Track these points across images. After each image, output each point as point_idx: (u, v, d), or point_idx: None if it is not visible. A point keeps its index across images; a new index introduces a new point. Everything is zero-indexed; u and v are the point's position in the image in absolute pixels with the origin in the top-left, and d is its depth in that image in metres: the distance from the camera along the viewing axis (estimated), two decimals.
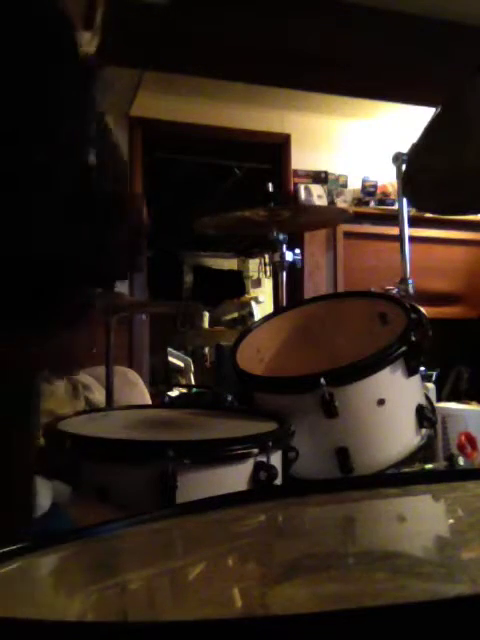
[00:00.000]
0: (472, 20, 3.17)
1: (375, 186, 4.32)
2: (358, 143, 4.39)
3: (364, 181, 4.33)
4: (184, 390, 4.33)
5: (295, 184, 4.28)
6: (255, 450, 1.03)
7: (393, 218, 2.37)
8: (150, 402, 2.23)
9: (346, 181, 4.38)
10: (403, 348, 1.25)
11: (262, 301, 6.15)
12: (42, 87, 0.55)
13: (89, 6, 0.72)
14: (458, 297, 4.21)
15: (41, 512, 0.79)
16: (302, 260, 2.25)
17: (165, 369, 4.88)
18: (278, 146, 4.33)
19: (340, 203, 4.29)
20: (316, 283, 4.09)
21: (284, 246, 2.07)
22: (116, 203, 0.61)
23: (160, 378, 4.59)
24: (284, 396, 1.29)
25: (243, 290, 6.59)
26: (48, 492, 0.82)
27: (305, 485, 0.84)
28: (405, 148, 1.69)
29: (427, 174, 1.15)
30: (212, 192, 5.66)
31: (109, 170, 0.61)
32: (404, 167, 1.85)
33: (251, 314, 5.90)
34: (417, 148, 1.19)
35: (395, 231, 2.15)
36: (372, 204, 4.27)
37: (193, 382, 5.22)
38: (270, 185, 2.20)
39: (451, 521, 0.63)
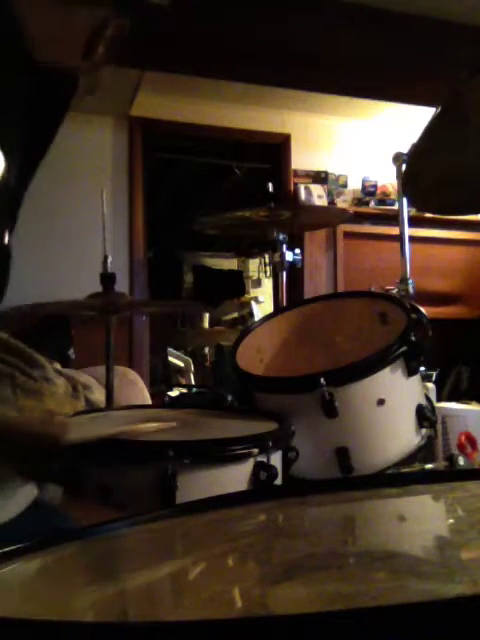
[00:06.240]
0: (472, 20, 3.17)
1: (375, 186, 4.31)
2: (358, 143, 4.39)
3: (364, 181, 4.33)
4: (184, 390, 4.33)
5: (295, 184, 4.28)
6: (255, 450, 1.03)
7: (393, 218, 2.37)
8: (150, 402, 2.23)
9: (346, 181, 4.37)
10: (403, 348, 1.25)
11: (262, 301, 6.15)
12: None
13: (91, 39, 0.72)
14: (458, 297, 4.20)
15: (26, 504, 0.79)
16: (302, 260, 2.24)
17: (165, 369, 4.88)
18: (278, 146, 4.32)
19: (340, 203, 4.28)
20: (316, 283, 4.09)
21: (284, 246, 2.07)
22: None
23: (160, 378, 4.59)
24: (284, 396, 1.28)
25: (243, 290, 6.58)
26: (29, 491, 0.82)
27: (305, 485, 0.84)
28: (405, 148, 1.69)
29: (427, 174, 1.15)
30: (212, 192, 5.66)
31: None
32: (404, 167, 1.85)
33: (251, 314, 5.90)
34: (417, 148, 1.19)
35: (395, 231, 2.15)
36: (372, 204, 4.27)
37: (193, 382, 5.22)
38: (270, 185, 2.20)
39: (451, 521, 0.63)
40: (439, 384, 3.15)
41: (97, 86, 0.79)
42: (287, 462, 1.14)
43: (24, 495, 0.80)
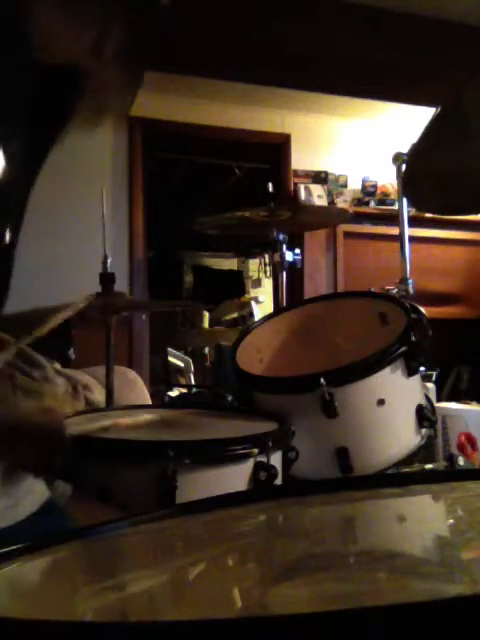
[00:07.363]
0: (472, 20, 3.17)
1: (375, 186, 4.31)
2: (358, 143, 4.39)
3: (364, 181, 4.33)
4: (184, 390, 4.32)
5: (295, 184, 4.28)
6: (255, 450, 1.03)
7: (393, 218, 2.37)
8: (150, 402, 2.23)
9: (346, 181, 4.37)
10: (403, 348, 1.25)
11: (262, 301, 6.14)
12: None
13: (98, 37, 0.72)
14: (458, 297, 4.20)
15: (35, 508, 0.79)
16: (302, 260, 2.25)
17: (165, 369, 4.87)
18: (278, 146, 4.32)
19: (340, 203, 4.28)
20: (316, 283, 4.09)
21: (284, 246, 2.07)
22: None
23: (160, 378, 4.59)
24: (284, 396, 1.28)
25: (243, 290, 6.58)
26: (43, 488, 0.82)
27: (305, 485, 0.84)
28: (405, 148, 1.69)
29: (427, 174, 1.15)
30: (212, 192, 5.66)
31: None
32: (404, 167, 1.85)
33: (251, 314, 5.89)
34: (417, 148, 1.19)
35: (395, 231, 2.15)
36: (372, 204, 4.26)
37: (193, 382, 5.21)
38: (270, 185, 2.20)
39: (451, 521, 0.63)
40: (439, 384, 3.15)
41: (108, 88, 0.78)
42: (287, 462, 1.14)
43: (37, 496, 0.80)
